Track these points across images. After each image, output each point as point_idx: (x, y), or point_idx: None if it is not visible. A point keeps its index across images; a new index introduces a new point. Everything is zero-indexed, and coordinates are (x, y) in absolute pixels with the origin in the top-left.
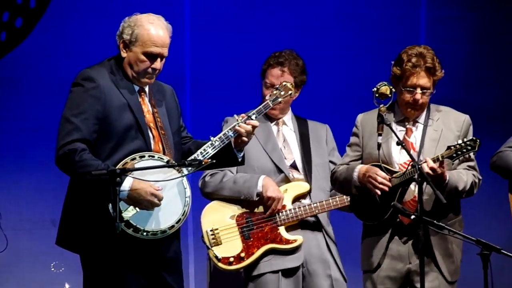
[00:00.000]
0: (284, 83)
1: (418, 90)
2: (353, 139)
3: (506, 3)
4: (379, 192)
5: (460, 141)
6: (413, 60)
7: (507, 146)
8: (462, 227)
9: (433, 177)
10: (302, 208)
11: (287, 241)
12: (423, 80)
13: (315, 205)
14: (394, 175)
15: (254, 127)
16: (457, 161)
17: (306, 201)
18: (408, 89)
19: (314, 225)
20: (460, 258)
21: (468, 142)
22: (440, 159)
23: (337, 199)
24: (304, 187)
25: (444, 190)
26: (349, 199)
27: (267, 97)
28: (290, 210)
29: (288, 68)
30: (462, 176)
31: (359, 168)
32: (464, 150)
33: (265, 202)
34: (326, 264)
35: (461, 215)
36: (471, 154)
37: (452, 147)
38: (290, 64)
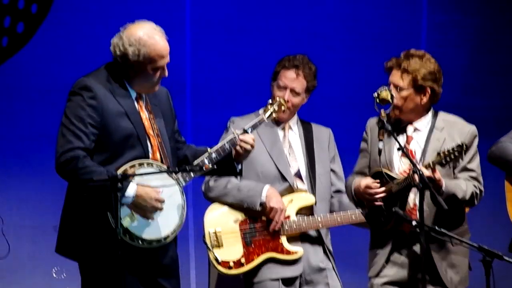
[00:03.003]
0: (278, 99)
1: (392, 87)
2: (362, 145)
3: (506, 8)
4: (379, 203)
5: (448, 147)
6: (394, 57)
7: (508, 137)
8: (468, 237)
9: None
10: (306, 221)
11: (288, 252)
12: (394, 77)
13: (319, 219)
14: (394, 182)
15: (252, 142)
16: (457, 170)
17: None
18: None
19: (315, 238)
20: (467, 268)
21: (455, 148)
22: (431, 166)
23: (341, 215)
24: (310, 199)
25: (441, 197)
26: (352, 217)
27: (260, 111)
28: (294, 221)
29: (303, 72)
30: (461, 185)
31: (355, 183)
32: (452, 156)
33: (267, 212)
34: (324, 273)
35: (466, 225)
36: (474, 166)
37: (441, 153)
38: (305, 68)
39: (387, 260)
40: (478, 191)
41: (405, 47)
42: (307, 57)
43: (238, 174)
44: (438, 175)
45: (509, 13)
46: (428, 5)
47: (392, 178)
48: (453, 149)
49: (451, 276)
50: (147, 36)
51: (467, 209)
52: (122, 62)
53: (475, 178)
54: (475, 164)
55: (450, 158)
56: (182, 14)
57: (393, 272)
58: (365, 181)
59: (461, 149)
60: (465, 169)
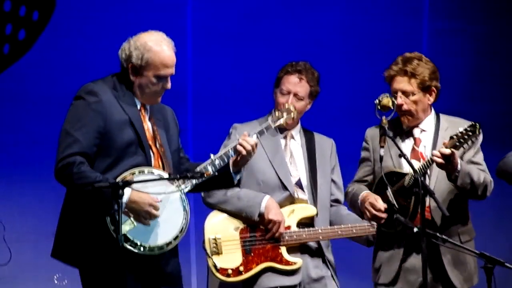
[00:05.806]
0: (287, 106)
1: (399, 95)
2: (364, 154)
3: (507, 15)
4: (375, 221)
5: (460, 129)
6: (394, 65)
7: None
8: (473, 236)
9: (445, 165)
10: (306, 232)
11: (287, 262)
12: (401, 84)
13: (320, 231)
14: (406, 177)
15: (255, 145)
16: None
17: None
18: (393, 94)
19: (315, 249)
20: (475, 265)
21: (468, 128)
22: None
23: (342, 228)
24: (311, 210)
25: (457, 179)
26: (353, 230)
27: (269, 119)
28: (294, 231)
29: (306, 76)
30: (474, 169)
31: (361, 195)
32: (466, 137)
33: (266, 224)
34: (323, 281)
35: (470, 223)
36: (480, 159)
37: (454, 136)
38: (308, 73)
39: (401, 266)
40: (488, 181)
41: None
42: (309, 63)
43: (236, 185)
44: (456, 152)
45: (510, 19)
46: (429, 12)
47: (404, 175)
48: (466, 130)
49: (459, 274)
50: (153, 43)
51: None
52: (126, 66)
53: (483, 171)
54: (480, 158)
55: (464, 139)
56: (184, 21)
57: (406, 278)
58: (371, 199)
59: (474, 129)
60: (471, 162)
